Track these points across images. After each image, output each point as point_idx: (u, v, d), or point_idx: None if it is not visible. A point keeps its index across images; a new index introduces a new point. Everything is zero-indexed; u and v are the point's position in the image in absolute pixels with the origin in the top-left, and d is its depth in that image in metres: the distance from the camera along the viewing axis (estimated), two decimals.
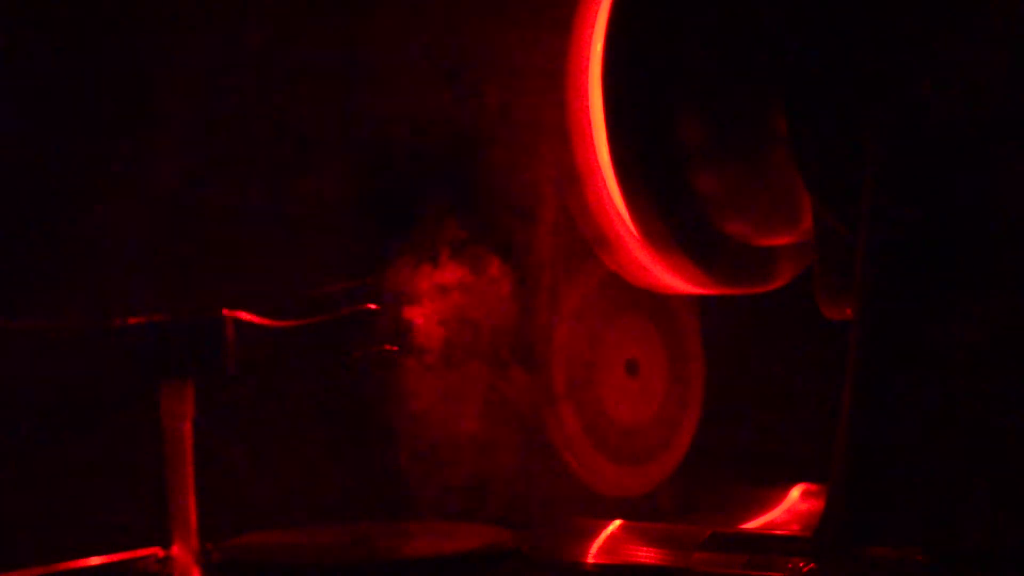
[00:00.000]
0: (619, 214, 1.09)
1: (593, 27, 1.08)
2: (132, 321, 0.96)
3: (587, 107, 1.08)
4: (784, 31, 0.97)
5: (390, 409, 1.08)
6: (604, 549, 1.00)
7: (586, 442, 1.16)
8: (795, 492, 1.20)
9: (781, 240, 1.09)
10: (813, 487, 1.19)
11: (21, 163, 1.01)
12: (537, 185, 1.12)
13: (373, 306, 1.06)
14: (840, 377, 0.87)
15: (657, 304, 1.22)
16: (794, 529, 1.10)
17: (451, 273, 1.10)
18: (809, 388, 1.13)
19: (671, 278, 1.11)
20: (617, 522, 1.06)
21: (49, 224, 1.02)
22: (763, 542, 0.96)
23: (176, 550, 0.96)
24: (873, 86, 0.89)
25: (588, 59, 1.08)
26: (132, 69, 1.06)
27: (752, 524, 1.14)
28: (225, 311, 0.97)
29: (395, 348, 1.06)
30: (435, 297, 1.09)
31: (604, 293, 1.18)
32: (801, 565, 0.88)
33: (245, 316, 0.98)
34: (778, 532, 1.08)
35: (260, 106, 1.11)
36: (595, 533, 1.04)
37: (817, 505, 1.00)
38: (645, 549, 0.99)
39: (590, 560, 0.97)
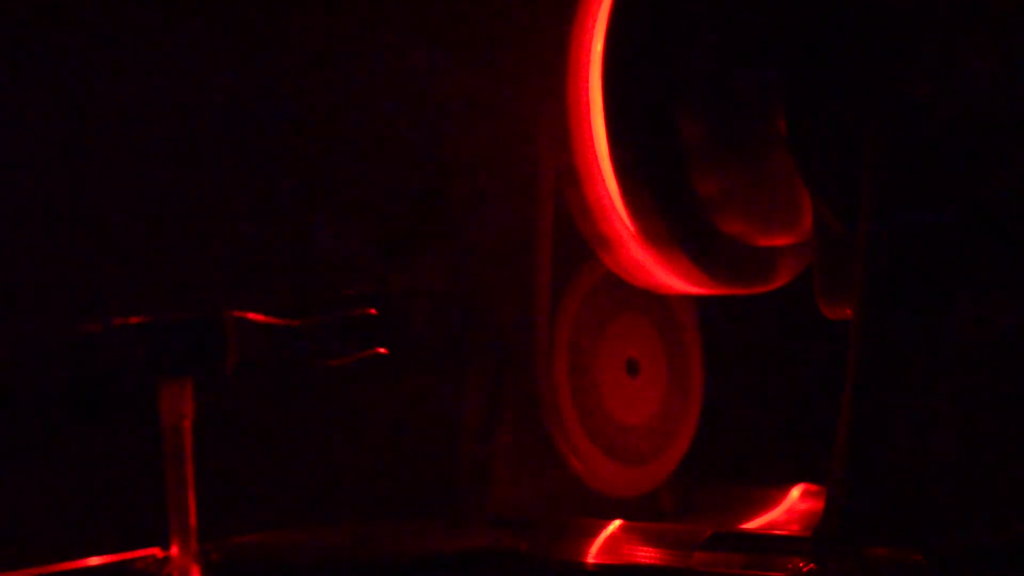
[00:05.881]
0: (619, 214, 1.09)
1: (593, 27, 1.08)
2: (132, 320, 0.96)
3: (587, 107, 1.08)
4: (783, 30, 0.97)
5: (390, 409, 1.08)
6: (604, 549, 1.00)
7: (586, 441, 1.16)
8: (795, 492, 1.20)
9: (781, 240, 1.09)
10: (813, 487, 1.19)
11: (20, 164, 1.01)
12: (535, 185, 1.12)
13: (373, 311, 1.06)
14: (840, 377, 0.87)
15: (657, 304, 1.22)
16: (794, 529, 1.10)
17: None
18: (809, 388, 1.13)
19: (671, 278, 1.11)
20: (617, 522, 1.06)
21: (48, 224, 1.02)
22: (763, 542, 0.96)
23: (175, 550, 0.95)
24: (872, 85, 0.89)
25: (588, 59, 1.08)
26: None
27: (752, 524, 1.14)
28: (225, 311, 0.97)
29: (386, 352, 1.05)
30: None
31: (604, 293, 1.18)
32: (801, 565, 0.88)
33: (251, 315, 0.98)
34: (778, 532, 1.08)
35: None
36: (595, 533, 1.03)
37: (817, 505, 1.00)
38: (645, 549, 0.99)
39: (590, 560, 0.97)
